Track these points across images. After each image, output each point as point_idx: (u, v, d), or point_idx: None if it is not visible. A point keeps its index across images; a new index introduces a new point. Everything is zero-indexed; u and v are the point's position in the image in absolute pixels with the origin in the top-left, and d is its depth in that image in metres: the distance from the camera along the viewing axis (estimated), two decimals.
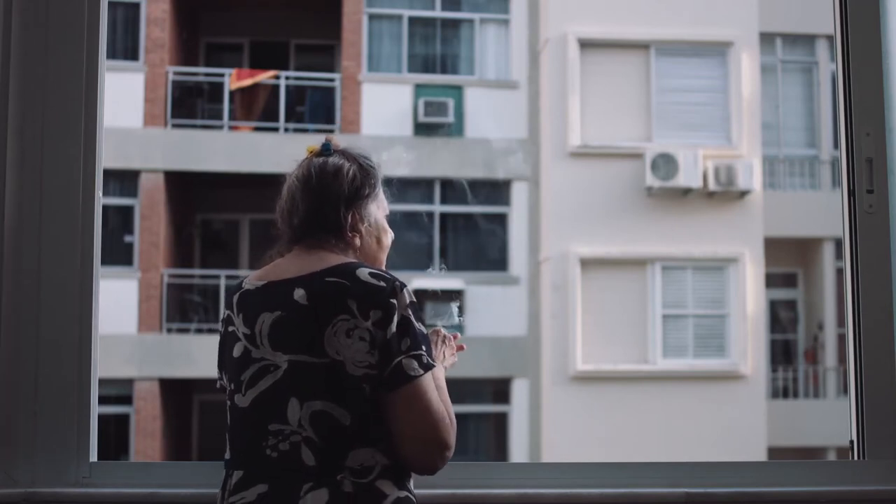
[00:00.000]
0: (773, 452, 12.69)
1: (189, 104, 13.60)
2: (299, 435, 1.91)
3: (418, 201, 13.33)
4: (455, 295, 12.76)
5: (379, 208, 2.13)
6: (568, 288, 12.82)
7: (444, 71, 14.06)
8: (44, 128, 2.40)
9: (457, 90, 13.64)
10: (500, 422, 13.33)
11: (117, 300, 12.44)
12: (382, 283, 1.95)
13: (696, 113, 13.36)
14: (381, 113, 13.56)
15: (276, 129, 13.73)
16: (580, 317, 12.77)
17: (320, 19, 14.23)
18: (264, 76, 13.78)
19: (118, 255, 13.02)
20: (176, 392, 13.14)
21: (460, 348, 2.26)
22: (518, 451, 13.01)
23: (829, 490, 2.42)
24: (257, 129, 13.74)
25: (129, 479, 2.38)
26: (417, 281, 12.67)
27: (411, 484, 2.00)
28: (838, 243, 11.33)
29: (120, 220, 13.26)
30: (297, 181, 2.09)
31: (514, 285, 13.43)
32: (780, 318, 14.92)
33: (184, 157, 13.26)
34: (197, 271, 13.85)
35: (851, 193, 2.52)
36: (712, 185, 12.91)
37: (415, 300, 1.98)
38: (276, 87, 13.81)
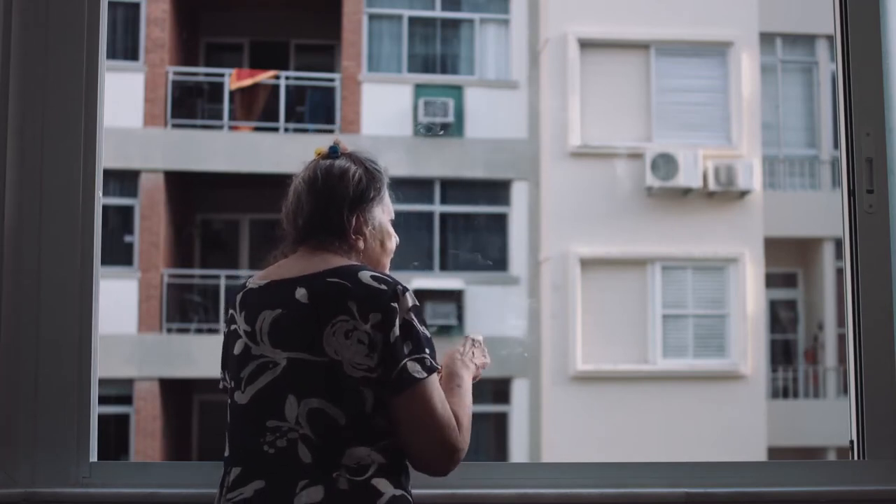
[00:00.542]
0: (773, 452, 12.69)
1: (189, 104, 13.60)
2: (296, 432, 1.92)
3: (418, 201, 13.32)
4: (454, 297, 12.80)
5: (384, 212, 2.14)
6: (568, 288, 12.82)
7: (444, 71, 14.05)
8: (44, 128, 2.40)
9: (457, 90, 13.65)
10: (500, 422, 13.33)
11: (117, 300, 12.44)
12: (384, 287, 1.95)
13: (696, 113, 13.36)
14: (381, 113, 13.57)
15: (276, 129, 13.73)
16: (580, 317, 12.77)
17: (320, 19, 14.23)
18: (264, 76, 13.78)
19: (118, 255, 13.01)
20: (176, 392, 13.14)
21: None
22: (518, 451, 13.01)
23: (829, 490, 2.42)
24: (257, 129, 13.73)
25: (128, 479, 2.39)
26: (417, 281, 12.68)
27: (409, 483, 2.00)
28: (838, 243, 11.32)
29: (120, 220, 13.25)
30: (303, 182, 2.10)
31: (514, 285, 13.43)
32: (780, 318, 14.91)
33: (184, 157, 13.26)
34: (197, 271, 13.85)
35: (851, 193, 2.52)
36: (712, 185, 12.91)
37: (418, 304, 1.98)
38: (276, 87, 13.81)
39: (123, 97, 12.70)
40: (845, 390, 6.42)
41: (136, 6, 13.53)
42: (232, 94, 13.66)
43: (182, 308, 13.33)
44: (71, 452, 2.35)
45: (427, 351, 1.96)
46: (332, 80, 13.96)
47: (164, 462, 2.72)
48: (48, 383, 2.35)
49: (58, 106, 2.41)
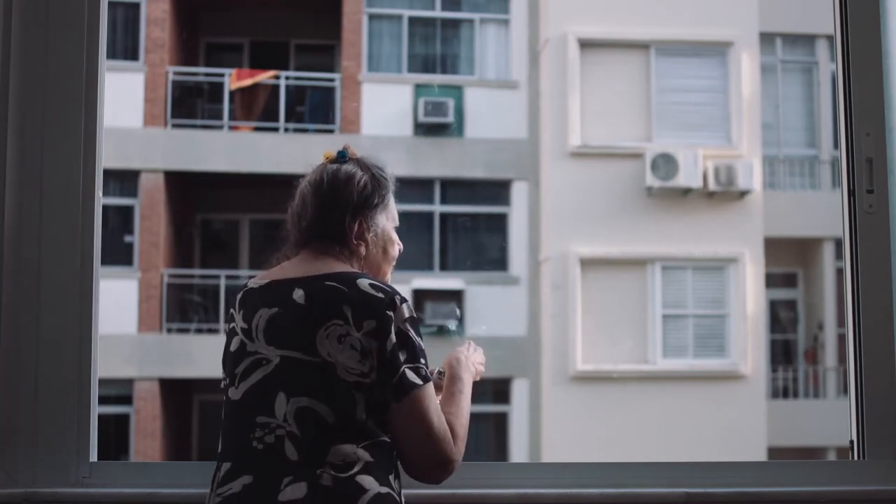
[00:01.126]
0: (773, 452, 12.68)
1: (189, 104, 13.60)
2: (284, 429, 1.93)
3: (418, 201, 13.32)
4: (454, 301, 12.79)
5: (388, 219, 2.15)
6: (568, 288, 12.82)
7: (444, 71, 14.05)
8: (44, 128, 2.40)
9: (457, 90, 13.64)
10: (500, 422, 13.33)
11: (117, 300, 12.44)
12: (381, 295, 1.97)
13: (696, 113, 13.35)
14: (381, 113, 13.56)
15: (276, 129, 13.72)
16: (580, 317, 12.77)
17: (320, 19, 14.23)
18: (264, 76, 13.77)
19: (118, 255, 13.01)
20: (176, 392, 13.14)
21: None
22: (518, 451, 13.01)
23: (829, 490, 2.42)
24: (257, 129, 13.73)
25: (129, 479, 2.39)
26: (417, 281, 12.68)
27: (396, 482, 2.00)
28: (838, 243, 11.32)
29: (120, 220, 13.25)
30: (309, 185, 2.11)
31: (514, 285, 13.43)
32: (780, 318, 14.91)
33: (184, 157, 13.26)
34: (197, 271, 13.85)
35: (851, 193, 2.52)
36: (712, 185, 12.90)
37: (415, 315, 2.00)
38: (276, 87, 13.81)
39: (123, 97, 12.70)
40: (845, 390, 6.42)
41: (136, 6, 13.52)
42: (232, 94, 13.66)
43: (182, 308, 13.33)
44: (71, 452, 2.36)
45: (422, 361, 1.98)
46: (332, 80, 13.96)
47: (163, 462, 2.72)
48: (48, 383, 2.35)
49: (58, 106, 2.41)
